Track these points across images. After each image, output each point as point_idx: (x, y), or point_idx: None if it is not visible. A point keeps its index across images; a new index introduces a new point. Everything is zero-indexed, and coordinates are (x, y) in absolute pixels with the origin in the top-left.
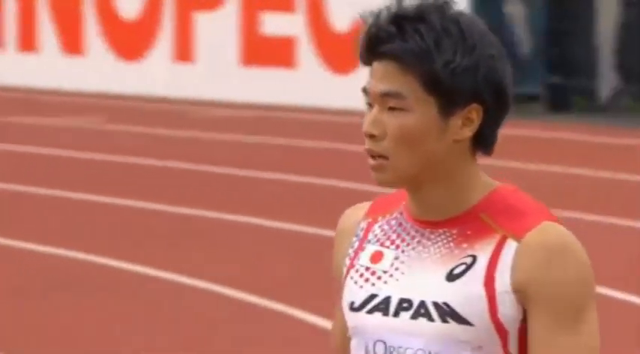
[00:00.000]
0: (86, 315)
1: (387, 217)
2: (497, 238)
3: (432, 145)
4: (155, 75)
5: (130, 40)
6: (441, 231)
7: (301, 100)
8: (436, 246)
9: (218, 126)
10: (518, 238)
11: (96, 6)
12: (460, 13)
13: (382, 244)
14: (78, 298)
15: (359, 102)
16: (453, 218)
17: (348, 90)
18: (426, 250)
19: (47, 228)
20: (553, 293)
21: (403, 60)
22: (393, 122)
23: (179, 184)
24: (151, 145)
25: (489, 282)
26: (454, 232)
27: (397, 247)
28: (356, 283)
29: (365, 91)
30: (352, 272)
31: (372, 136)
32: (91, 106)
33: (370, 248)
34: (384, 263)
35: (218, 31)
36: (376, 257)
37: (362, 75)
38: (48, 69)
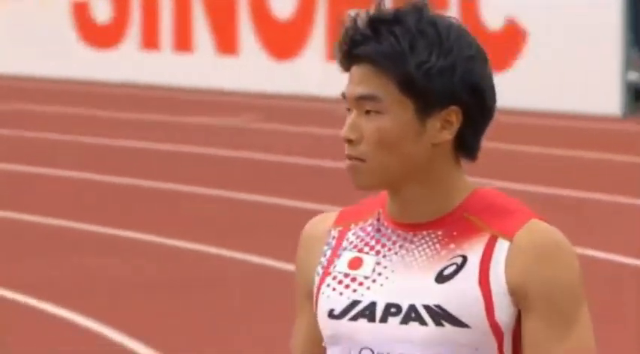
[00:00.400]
0: (241, 313)
1: (361, 224)
2: (486, 236)
3: (409, 148)
4: (308, 74)
5: (283, 40)
6: (424, 233)
7: None
8: (421, 249)
9: None
10: (509, 238)
11: (250, 6)
12: (439, 15)
13: (360, 250)
14: (235, 297)
15: (512, 100)
16: (436, 220)
17: (499, 88)
18: (410, 253)
19: (204, 226)
20: (548, 293)
21: (377, 62)
22: (369, 126)
23: (333, 184)
24: (304, 144)
25: (484, 281)
26: (439, 233)
27: (377, 252)
28: (334, 290)
29: (343, 96)
30: (328, 279)
31: (349, 141)
32: (245, 106)
33: (347, 255)
34: (365, 269)
35: None
36: (355, 263)
37: (517, 73)
38: (202, 69)
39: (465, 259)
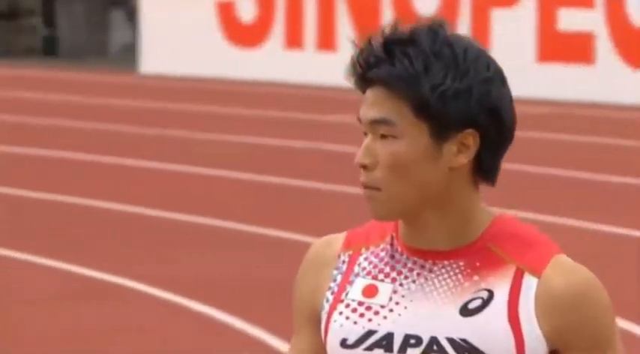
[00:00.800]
0: None
1: (372, 248)
2: (512, 270)
3: (425, 173)
4: None
5: None
6: (445, 263)
7: (600, 96)
8: (441, 278)
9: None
10: (536, 274)
11: (394, 4)
12: (456, 36)
13: (375, 278)
14: None
15: None
16: (457, 249)
17: None
18: (430, 282)
19: (351, 224)
20: (587, 335)
21: (391, 85)
22: (384, 150)
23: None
24: None
25: (514, 318)
26: (461, 263)
27: (393, 280)
28: (348, 318)
29: (359, 119)
30: (341, 307)
31: (364, 167)
32: None
33: (360, 282)
34: (381, 297)
35: (515, 27)
36: (369, 291)
37: None
38: (345, 67)
39: (491, 293)
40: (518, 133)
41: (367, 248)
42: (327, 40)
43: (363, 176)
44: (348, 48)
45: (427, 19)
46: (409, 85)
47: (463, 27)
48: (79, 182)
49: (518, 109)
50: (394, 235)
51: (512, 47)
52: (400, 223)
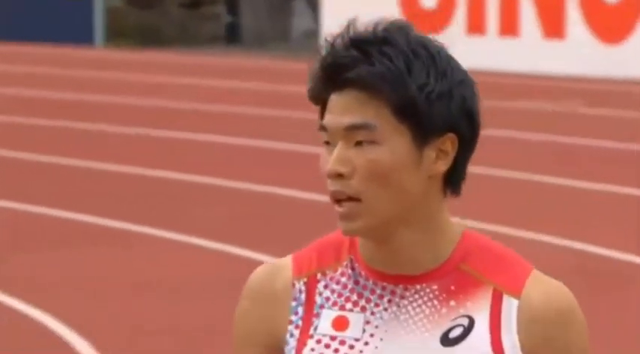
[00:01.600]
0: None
1: (330, 273)
2: (489, 292)
3: (407, 181)
4: (637, 58)
5: (611, 24)
6: (418, 287)
7: None
8: (415, 305)
9: None
10: (515, 295)
11: None
12: (426, 37)
13: (342, 308)
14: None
15: None
16: (430, 272)
17: None
18: (403, 310)
19: (505, 209)
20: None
21: (372, 86)
22: (362, 158)
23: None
24: (618, 128)
25: (497, 345)
26: (434, 287)
27: (363, 309)
28: None
29: (323, 128)
30: (312, 343)
31: (338, 176)
32: (569, 90)
33: (328, 314)
34: (354, 330)
35: None
36: (340, 323)
37: None
38: (529, 53)
39: (471, 320)
40: None
41: (323, 274)
42: (509, 26)
43: (335, 185)
44: (533, 34)
45: (387, 20)
46: (393, 85)
47: None
48: (262, 170)
49: None
50: (352, 257)
51: None
52: (361, 243)
